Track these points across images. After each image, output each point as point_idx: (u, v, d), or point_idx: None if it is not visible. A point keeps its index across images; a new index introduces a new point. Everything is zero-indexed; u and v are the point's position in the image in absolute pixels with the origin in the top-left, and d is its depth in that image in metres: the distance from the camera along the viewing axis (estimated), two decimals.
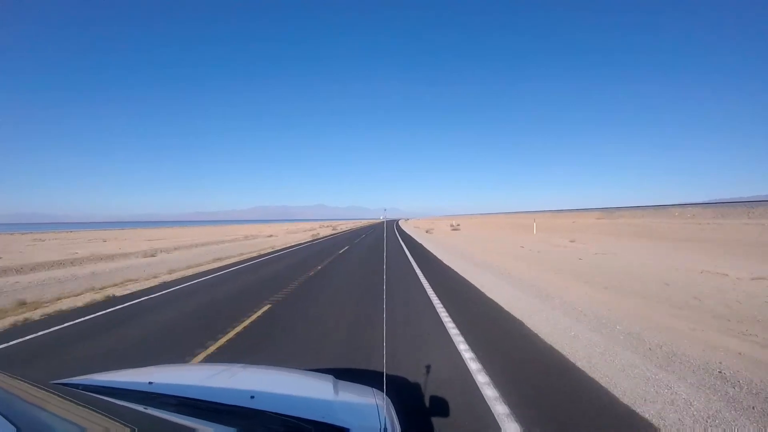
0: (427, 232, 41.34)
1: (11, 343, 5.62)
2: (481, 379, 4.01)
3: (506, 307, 7.22)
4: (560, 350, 4.90)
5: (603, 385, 3.89)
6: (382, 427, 1.40)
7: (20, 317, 7.02)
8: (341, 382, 1.86)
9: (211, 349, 5.06)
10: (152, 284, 10.66)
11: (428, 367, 4.32)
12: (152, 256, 19.48)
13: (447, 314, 6.72)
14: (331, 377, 1.91)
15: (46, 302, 8.36)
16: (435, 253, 18.02)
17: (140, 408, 1.24)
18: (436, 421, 3.11)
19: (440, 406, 3.40)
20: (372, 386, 1.90)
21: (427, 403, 3.46)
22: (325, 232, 47.23)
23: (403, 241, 26.96)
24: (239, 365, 2.08)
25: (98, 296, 8.89)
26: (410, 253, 18.23)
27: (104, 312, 7.44)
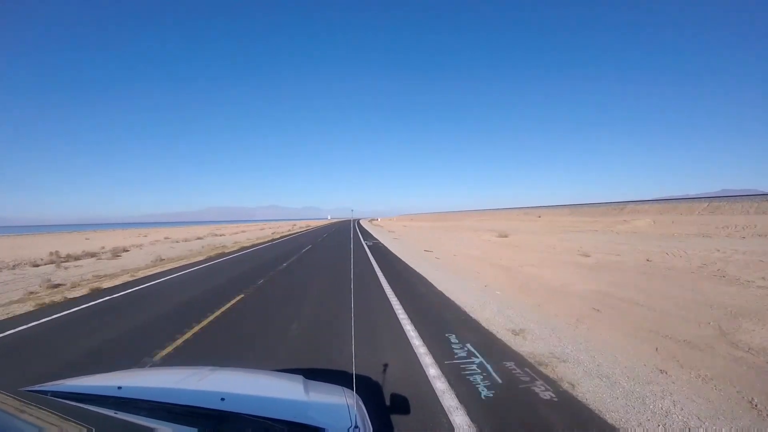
0: None
1: None
2: None
3: None
4: None
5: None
6: (353, 424, 1.42)
7: None
8: (311, 382, 1.90)
9: None
10: None
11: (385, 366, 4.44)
12: None
13: None
14: (300, 377, 1.94)
15: None
16: None
17: (111, 413, 1.26)
18: (402, 419, 3.26)
19: (405, 404, 3.44)
20: (342, 385, 1.92)
21: (393, 401, 3.34)
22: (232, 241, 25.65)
23: None
24: (208, 368, 2.05)
25: None
26: None
27: None
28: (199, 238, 38.48)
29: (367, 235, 37.09)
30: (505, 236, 31.50)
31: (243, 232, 54.21)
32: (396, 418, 3.24)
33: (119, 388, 1.58)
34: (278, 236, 38.40)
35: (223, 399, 1.50)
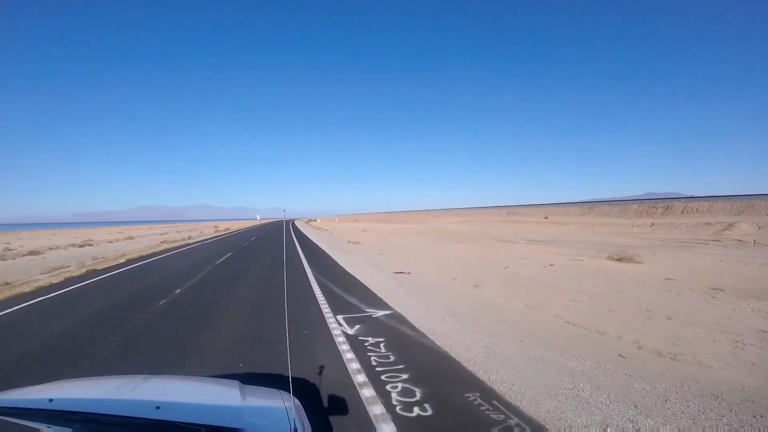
0: None
1: None
2: None
3: None
4: None
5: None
6: (292, 427, 1.40)
7: None
8: (248, 387, 1.84)
9: None
10: None
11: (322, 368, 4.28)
12: None
13: None
14: (237, 382, 1.89)
15: None
16: None
17: (43, 427, 1.27)
18: (341, 419, 3.11)
19: (343, 404, 3.39)
20: (279, 389, 1.89)
21: (330, 402, 3.31)
22: None
23: None
24: (141, 377, 1.95)
25: None
26: None
27: None
28: (50, 249, 24.07)
29: (315, 252, 17.66)
30: (634, 261, 13.92)
31: (131, 239, 38.00)
32: (334, 419, 3.05)
33: (51, 400, 1.49)
34: (154, 252, 20.12)
35: (158, 407, 1.42)
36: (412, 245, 21.89)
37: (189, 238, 36.36)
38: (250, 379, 2.31)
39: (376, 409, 3.48)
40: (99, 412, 1.40)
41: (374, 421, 3.28)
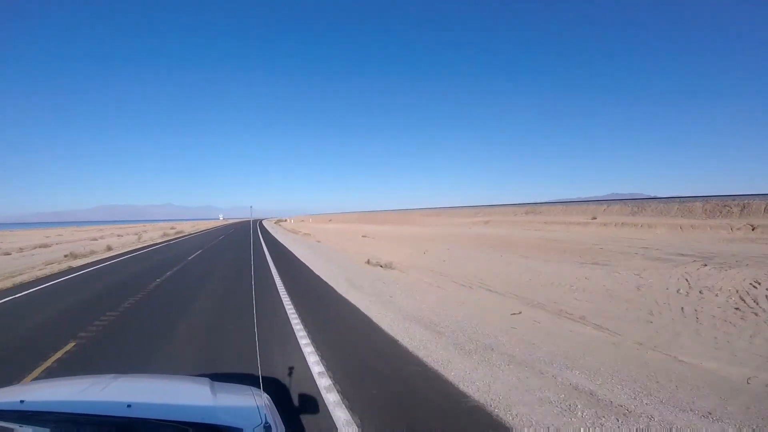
0: None
1: None
2: None
3: None
4: None
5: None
6: (263, 422, 1.39)
7: None
8: (219, 384, 1.84)
9: None
10: None
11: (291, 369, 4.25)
12: None
13: None
14: (207, 380, 1.89)
15: None
16: None
17: (16, 427, 1.27)
18: (311, 418, 3.14)
19: (314, 403, 3.41)
20: (250, 385, 1.89)
21: (301, 401, 3.38)
22: None
23: None
24: (110, 376, 1.94)
25: None
26: None
27: None
28: None
29: (340, 315, 7.03)
30: None
31: (43, 246, 29.55)
32: (305, 418, 3.09)
33: (22, 401, 1.47)
34: None
35: (129, 406, 1.41)
36: (505, 270, 11.48)
37: (108, 249, 24.73)
38: (220, 377, 2.14)
39: None
40: (70, 411, 1.39)
41: None
